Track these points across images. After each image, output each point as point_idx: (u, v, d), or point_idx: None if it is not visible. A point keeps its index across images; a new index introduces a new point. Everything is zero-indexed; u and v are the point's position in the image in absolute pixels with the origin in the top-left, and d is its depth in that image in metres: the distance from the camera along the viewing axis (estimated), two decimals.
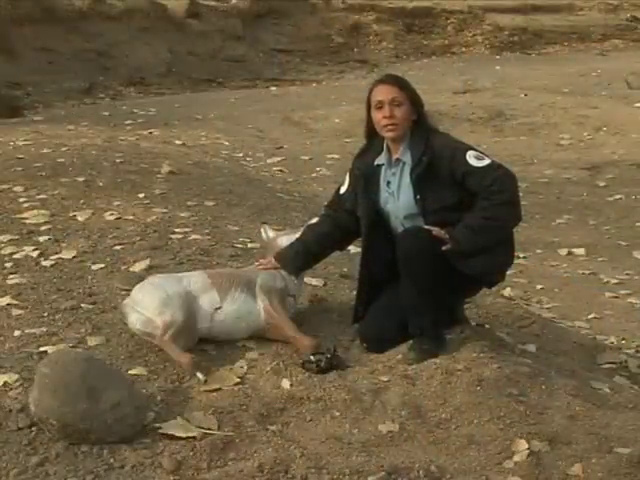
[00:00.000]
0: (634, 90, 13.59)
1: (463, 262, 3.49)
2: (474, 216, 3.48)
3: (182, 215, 5.30)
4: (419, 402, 3.18)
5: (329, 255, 3.96)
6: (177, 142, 9.77)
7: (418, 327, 3.52)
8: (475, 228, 3.47)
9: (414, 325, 3.53)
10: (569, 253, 7.06)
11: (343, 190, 3.77)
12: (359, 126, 3.91)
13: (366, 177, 3.67)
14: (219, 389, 3.26)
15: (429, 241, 3.44)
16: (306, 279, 4.02)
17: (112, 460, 2.83)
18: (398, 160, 3.60)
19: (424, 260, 3.42)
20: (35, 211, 5.32)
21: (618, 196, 8.85)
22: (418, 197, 3.54)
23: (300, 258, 3.75)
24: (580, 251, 7.06)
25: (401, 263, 3.49)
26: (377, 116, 3.58)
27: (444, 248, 3.44)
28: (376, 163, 3.66)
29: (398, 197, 3.61)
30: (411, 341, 3.53)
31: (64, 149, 7.42)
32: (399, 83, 3.61)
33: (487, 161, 3.51)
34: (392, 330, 3.57)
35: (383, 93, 3.56)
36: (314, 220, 3.91)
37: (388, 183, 3.64)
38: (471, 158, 3.49)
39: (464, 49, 21.91)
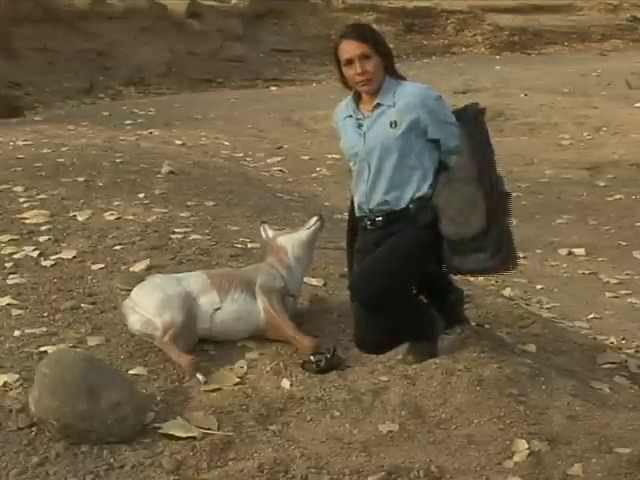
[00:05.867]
0: (634, 90, 13.59)
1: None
2: None
3: (182, 215, 5.30)
4: (419, 402, 3.18)
5: None
6: (177, 142, 9.77)
7: (409, 340, 3.54)
8: None
9: (406, 339, 3.56)
10: (569, 253, 7.06)
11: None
12: None
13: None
14: (219, 389, 3.26)
15: (378, 278, 3.42)
16: (306, 279, 4.02)
17: (112, 460, 2.83)
18: (378, 105, 3.52)
19: (382, 302, 3.42)
20: (35, 211, 5.32)
21: (618, 196, 8.84)
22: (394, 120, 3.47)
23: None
24: (580, 251, 7.06)
25: (361, 309, 3.53)
26: (349, 73, 3.51)
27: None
28: (344, 115, 3.62)
29: (369, 133, 3.52)
30: (408, 344, 3.53)
31: (64, 149, 7.41)
32: (363, 35, 3.51)
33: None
34: (381, 340, 3.55)
35: (350, 50, 3.48)
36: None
37: (360, 126, 3.57)
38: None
39: (464, 49, 21.92)
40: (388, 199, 3.50)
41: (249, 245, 4.74)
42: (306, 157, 10.23)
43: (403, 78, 3.58)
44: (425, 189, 3.48)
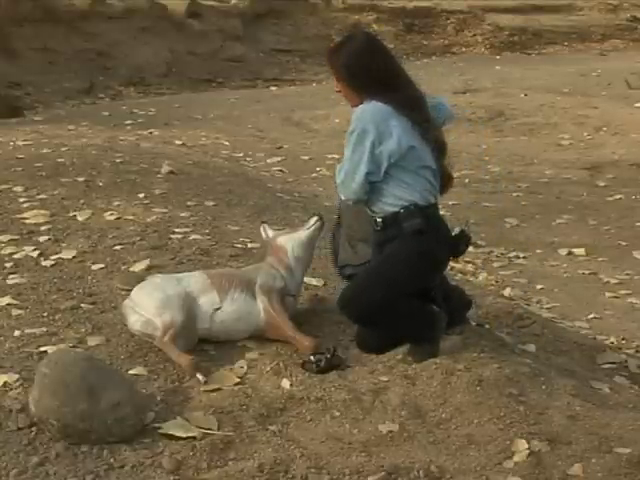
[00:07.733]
0: (634, 90, 13.59)
1: None
2: None
3: (182, 215, 5.30)
4: (419, 402, 3.18)
5: None
6: (177, 142, 9.76)
7: (410, 341, 3.54)
8: None
9: (407, 340, 3.56)
10: (569, 253, 7.06)
11: None
12: None
13: None
14: (219, 389, 3.26)
15: (366, 295, 3.41)
16: (306, 279, 4.01)
17: (112, 460, 2.83)
18: None
19: (373, 317, 3.42)
20: (35, 211, 5.32)
21: (618, 196, 8.83)
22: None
23: None
24: (580, 251, 7.05)
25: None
26: None
27: None
28: None
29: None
30: (409, 345, 3.53)
31: (64, 149, 7.41)
32: (329, 59, 3.49)
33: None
34: (382, 342, 3.56)
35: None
36: None
37: None
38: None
39: (464, 49, 21.91)
40: (375, 210, 3.50)
41: (249, 245, 4.74)
42: (306, 157, 10.23)
43: (389, 99, 3.40)
44: (408, 197, 3.42)
